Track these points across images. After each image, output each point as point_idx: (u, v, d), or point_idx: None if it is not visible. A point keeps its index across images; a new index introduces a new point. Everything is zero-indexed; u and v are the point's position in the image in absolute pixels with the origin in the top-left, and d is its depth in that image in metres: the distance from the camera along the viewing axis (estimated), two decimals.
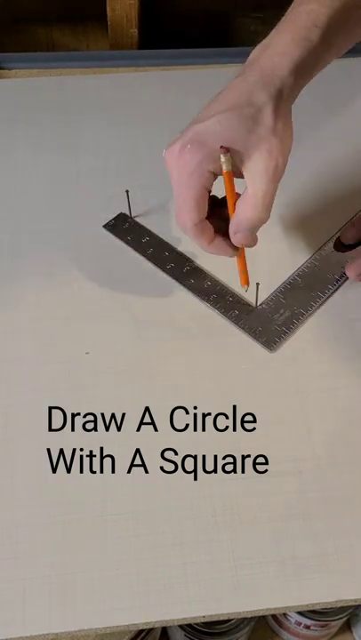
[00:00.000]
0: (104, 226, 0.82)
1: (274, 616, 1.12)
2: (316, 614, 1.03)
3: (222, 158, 0.60)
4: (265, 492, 0.64)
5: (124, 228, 0.82)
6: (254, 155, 0.61)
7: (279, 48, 0.62)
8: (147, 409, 0.68)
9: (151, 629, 0.93)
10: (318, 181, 0.87)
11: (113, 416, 0.67)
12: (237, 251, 0.68)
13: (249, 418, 0.67)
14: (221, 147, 0.60)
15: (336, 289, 0.77)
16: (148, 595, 0.58)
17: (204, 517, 0.62)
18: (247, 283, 0.72)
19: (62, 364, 0.71)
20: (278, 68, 0.61)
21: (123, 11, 1.03)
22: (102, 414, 0.67)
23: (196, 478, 0.64)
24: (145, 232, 0.81)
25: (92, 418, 0.67)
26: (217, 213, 0.66)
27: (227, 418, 0.68)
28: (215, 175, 0.62)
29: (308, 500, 0.63)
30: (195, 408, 0.68)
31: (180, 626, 0.98)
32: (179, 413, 0.68)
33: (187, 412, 0.68)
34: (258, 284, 0.72)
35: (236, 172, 0.62)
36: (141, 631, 0.91)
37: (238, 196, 0.64)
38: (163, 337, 0.73)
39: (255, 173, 0.61)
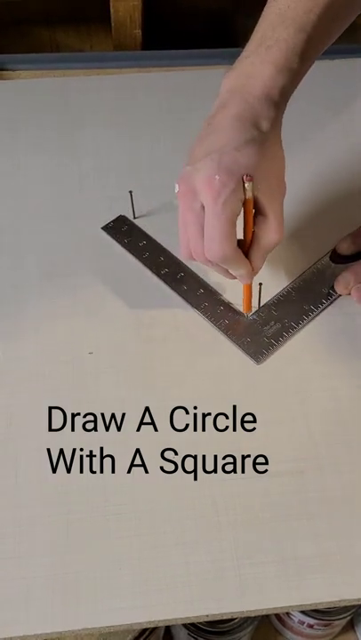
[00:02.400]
0: (103, 228, 0.82)
1: (277, 615, 1.12)
2: (320, 613, 1.03)
3: (247, 186, 0.61)
4: (265, 491, 0.64)
5: (123, 230, 0.82)
6: (272, 183, 0.64)
7: (267, 78, 0.64)
8: (147, 409, 0.68)
9: (155, 628, 0.93)
10: (318, 192, 0.87)
11: (113, 416, 0.68)
12: (254, 275, 0.69)
13: (249, 418, 0.68)
14: (247, 175, 0.61)
15: (329, 304, 0.76)
16: (150, 594, 0.59)
17: (206, 517, 0.62)
18: (250, 309, 0.74)
19: (64, 365, 0.71)
20: (271, 96, 0.64)
21: (126, 12, 1.03)
22: (102, 414, 0.68)
23: (196, 478, 0.64)
24: (143, 235, 0.82)
25: (92, 418, 0.68)
26: None
27: (227, 418, 0.68)
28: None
29: (309, 500, 0.64)
30: (195, 408, 0.68)
31: (184, 625, 0.98)
32: (179, 413, 0.68)
33: (187, 412, 0.68)
34: (260, 284, 0.72)
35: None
36: (145, 630, 0.91)
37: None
38: (164, 337, 0.73)
39: (274, 201, 0.64)
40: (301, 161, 0.88)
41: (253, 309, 0.75)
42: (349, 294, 0.76)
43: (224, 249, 0.63)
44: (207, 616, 0.58)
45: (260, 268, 0.69)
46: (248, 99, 0.64)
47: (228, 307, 0.75)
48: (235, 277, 0.69)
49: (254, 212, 0.65)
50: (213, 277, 0.77)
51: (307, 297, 0.76)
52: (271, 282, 0.77)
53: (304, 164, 0.88)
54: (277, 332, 0.74)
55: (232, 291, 0.75)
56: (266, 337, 0.73)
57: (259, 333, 0.74)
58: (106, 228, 0.82)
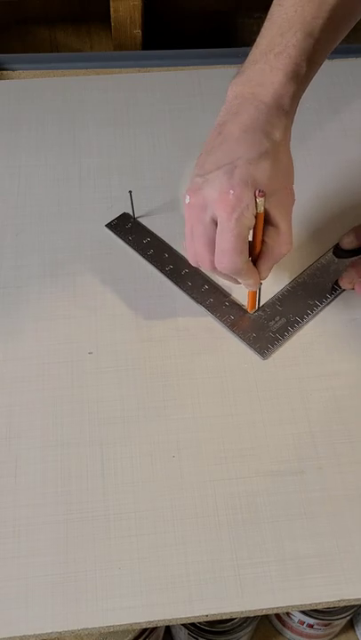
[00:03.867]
0: (107, 225, 0.82)
1: (277, 615, 1.12)
2: (320, 613, 1.03)
3: (259, 201, 0.61)
4: (266, 491, 0.64)
5: (127, 227, 0.82)
6: (282, 197, 0.64)
7: (277, 86, 0.64)
8: (148, 408, 0.68)
9: (155, 628, 0.94)
10: (320, 190, 0.87)
11: (113, 415, 0.68)
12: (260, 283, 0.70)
13: (250, 418, 0.68)
14: (260, 190, 0.61)
15: (334, 298, 0.77)
16: (150, 594, 0.59)
17: (206, 517, 0.63)
18: (254, 307, 0.75)
19: (65, 364, 0.71)
20: (282, 104, 0.64)
21: (126, 12, 1.03)
22: (102, 414, 0.68)
23: (197, 478, 0.64)
24: (146, 233, 0.82)
25: (94, 417, 0.68)
26: None
27: (230, 416, 0.68)
28: None
29: (309, 500, 0.64)
30: (195, 407, 0.68)
31: (184, 625, 0.98)
32: (179, 413, 0.68)
33: (187, 412, 0.68)
34: (260, 283, 0.72)
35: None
36: (145, 630, 0.91)
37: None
38: (167, 335, 0.73)
39: (285, 214, 0.65)
40: (302, 161, 0.88)
41: (248, 314, 0.75)
42: (353, 289, 0.76)
43: (236, 263, 0.64)
44: (207, 616, 0.58)
45: (265, 277, 0.69)
46: (260, 106, 0.63)
47: (233, 303, 0.76)
48: (240, 283, 0.70)
49: (265, 221, 0.65)
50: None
51: (311, 292, 0.77)
52: (276, 277, 0.78)
53: (304, 164, 0.88)
54: (283, 327, 0.74)
55: (237, 287, 0.75)
56: (271, 332, 0.74)
57: (264, 328, 0.74)
58: (110, 226, 0.82)
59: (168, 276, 0.78)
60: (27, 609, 0.58)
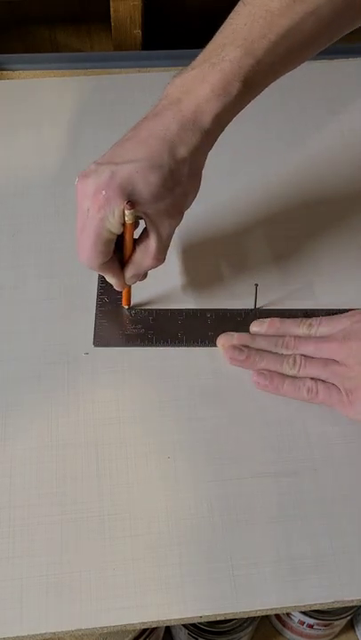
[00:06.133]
0: None
1: (277, 615, 1.12)
2: (319, 614, 1.03)
3: (127, 213, 0.60)
4: (262, 492, 0.64)
5: None
6: (164, 215, 0.63)
7: (200, 102, 0.61)
8: (143, 409, 0.68)
9: (155, 628, 0.94)
10: (317, 192, 0.87)
11: (109, 416, 0.68)
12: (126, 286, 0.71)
13: (245, 418, 0.68)
14: (129, 202, 0.59)
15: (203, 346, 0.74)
16: (145, 594, 0.59)
17: (201, 518, 0.63)
18: (128, 304, 0.75)
19: (61, 364, 0.71)
20: (200, 121, 0.61)
21: (126, 12, 1.03)
22: (98, 415, 0.68)
23: (192, 478, 0.65)
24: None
25: (89, 418, 0.68)
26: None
27: (225, 417, 0.68)
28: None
29: (305, 501, 0.64)
30: (191, 408, 0.68)
31: (184, 625, 0.98)
32: (177, 413, 0.68)
33: (185, 412, 0.68)
34: (256, 284, 0.72)
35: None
36: (145, 630, 0.91)
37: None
38: None
39: (162, 231, 0.64)
40: (300, 161, 0.88)
41: (253, 305, 0.75)
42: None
43: (91, 260, 0.64)
44: (200, 617, 0.58)
45: (134, 283, 0.70)
46: (177, 116, 0.61)
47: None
48: None
49: (145, 229, 0.64)
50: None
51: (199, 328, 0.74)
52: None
53: (303, 164, 0.88)
54: (139, 336, 0.73)
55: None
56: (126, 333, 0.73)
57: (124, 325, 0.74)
58: None
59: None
60: (21, 609, 0.58)
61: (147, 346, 0.72)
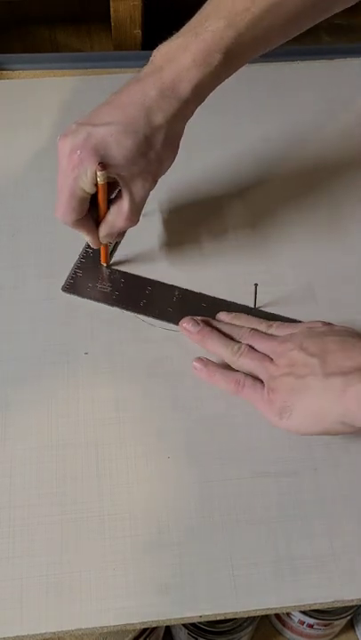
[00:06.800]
0: None
1: (277, 615, 1.12)
2: (319, 613, 1.03)
3: (99, 174, 0.63)
4: (262, 492, 0.64)
5: None
6: (137, 178, 0.65)
7: (181, 70, 0.62)
8: (143, 409, 0.68)
9: (155, 628, 0.94)
10: (317, 192, 0.87)
11: (109, 416, 0.68)
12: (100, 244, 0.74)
13: (245, 418, 0.68)
14: (100, 163, 0.62)
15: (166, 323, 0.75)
16: (144, 594, 0.59)
17: (201, 518, 0.62)
18: (106, 261, 0.78)
19: (61, 364, 0.71)
20: (178, 89, 0.63)
21: (126, 12, 1.03)
22: (98, 415, 0.68)
23: (191, 478, 0.64)
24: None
25: (89, 417, 0.68)
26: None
27: (225, 417, 0.68)
28: None
29: (305, 501, 0.64)
30: (193, 408, 0.68)
31: (184, 624, 0.98)
32: (177, 413, 0.68)
33: (185, 412, 0.68)
34: (256, 284, 0.72)
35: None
36: (145, 630, 0.92)
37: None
38: (162, 337, 0.73)
39: (135, 193, 0.66)
40: (300, 161, 0.88)
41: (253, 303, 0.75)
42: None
43: (65, 216, 0.67)
44: (200, 617, 0.58)
45: (107, 241, 0.73)
46: (157, 83, 0.63)
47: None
48: None
49: (118, 190, 0.67)
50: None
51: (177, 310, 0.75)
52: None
53: (303, 165, 0.88)
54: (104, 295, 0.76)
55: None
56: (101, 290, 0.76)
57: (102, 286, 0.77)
58: None
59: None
60: (21, 609, 0.58)
61: (107, 305, 0.75)
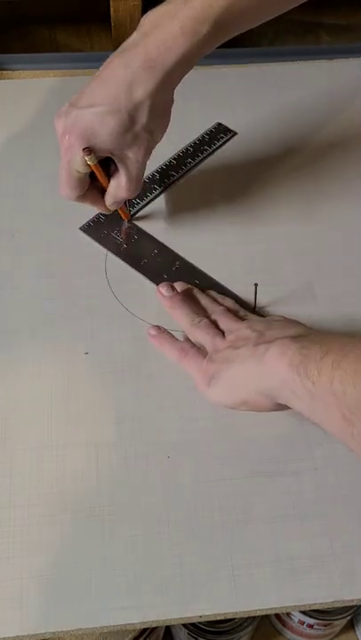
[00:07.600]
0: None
1: (277, 615, 1.12)
2: (320, 613, 1.03)
3: (87, 158, 0.65)
4: (261, 492, 0.64)
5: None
6: (129, 152, 0.66)
7: (167, 38, 0.62)
8: (143, 408, 0.68)
9: (155, 628, 0.94)
10: (316, 191, 0.87)
11: (108, 416, 0.68)
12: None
13: (245, 418, 0.67)
14: (85, 148, 0.64)
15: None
16: (144, 594, 0.59)
17: (201, 518, 0.62)
18: (127, 217, 0.82)
19: (60, 364, 0.71)
20: (163, 59, 0.62)
21: (126, 11, 1.03)
22: (98, 414, 0.68)
23: (191, 478, 0.64)
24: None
25: (89, 417, 0.68)
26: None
27: (225, 417, 0.68)
28: None
29: (305, 501, 0.64)
30: (191, 407, 0.68)
31: (184, 624, 0.98)
32: (176, 413, 0.68)
33: (185, 412, 0.68)
34: (256, 284, 0.72)
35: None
36: (145, 630, 0.91)
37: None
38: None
39: (129, 165, 0.68)
40: (300, 161, 0.88)
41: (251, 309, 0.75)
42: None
43: (68, 194, 0.70)
44: (200, 617, 0.58)
45: (115, 208, 0.76)
46: (139, 53, 0.62)
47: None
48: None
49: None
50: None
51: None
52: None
53: (303, 165, 0.88)
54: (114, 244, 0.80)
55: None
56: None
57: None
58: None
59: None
60: (21, 609, 0.58)
61: (114, 254, 0.79)
